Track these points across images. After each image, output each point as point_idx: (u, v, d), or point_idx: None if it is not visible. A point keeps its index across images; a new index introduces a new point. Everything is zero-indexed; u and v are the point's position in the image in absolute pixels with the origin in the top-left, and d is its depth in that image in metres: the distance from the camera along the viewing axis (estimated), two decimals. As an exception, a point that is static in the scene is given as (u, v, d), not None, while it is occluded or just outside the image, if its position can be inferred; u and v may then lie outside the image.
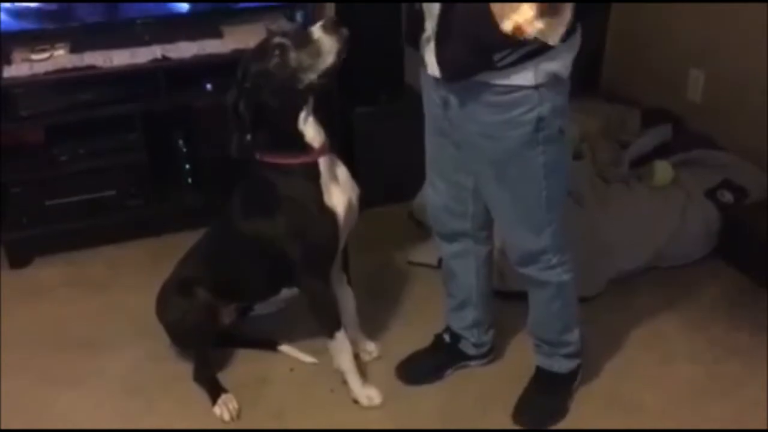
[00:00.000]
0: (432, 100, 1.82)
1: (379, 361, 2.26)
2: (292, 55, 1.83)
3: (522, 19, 1.35)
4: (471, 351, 2.20)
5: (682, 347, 2.30)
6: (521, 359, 2.18)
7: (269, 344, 2.33)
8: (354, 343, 2.19)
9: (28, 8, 2.63)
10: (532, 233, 1.82)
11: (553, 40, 1.37)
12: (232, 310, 2.28)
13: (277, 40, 1.86)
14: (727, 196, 2.67)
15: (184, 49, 2.73)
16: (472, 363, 2.22)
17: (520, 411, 2.05)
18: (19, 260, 2.77)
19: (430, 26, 1.64)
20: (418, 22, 1.67)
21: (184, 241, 2.28)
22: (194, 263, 2.20)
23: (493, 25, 1.40)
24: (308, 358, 2.28)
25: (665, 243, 2.56)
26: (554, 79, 1.62)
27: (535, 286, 1.94)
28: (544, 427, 2.03)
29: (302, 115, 1.90)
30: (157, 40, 2.75)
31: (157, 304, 2.20)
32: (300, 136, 1.91)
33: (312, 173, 1.94)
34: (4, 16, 2.61)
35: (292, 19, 2.94)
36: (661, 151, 2.86)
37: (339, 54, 1.82)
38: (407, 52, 2.61)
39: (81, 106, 2.66)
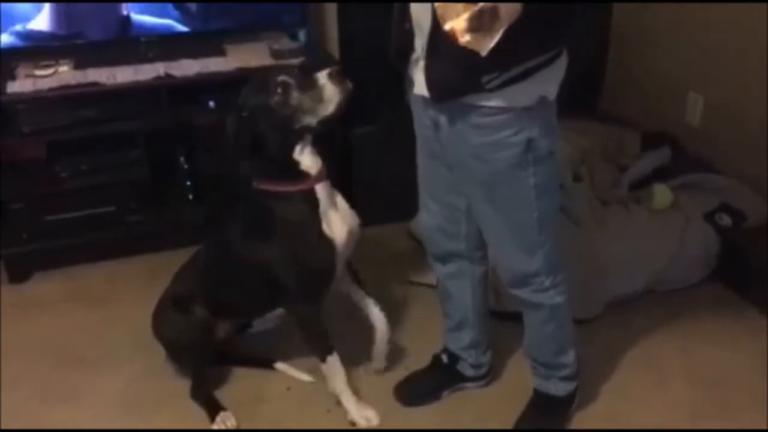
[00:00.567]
0: (422, 121, 1.83)
1: (377, 381, 2.25)
2: (294, 95, 1.85)
3: (457, 26, 1.40)
4: (469, 372, 2.20)
5: (680, 370, 2.29)
6: (519, 381, 2.18)
7: (265, 363, 2.33)
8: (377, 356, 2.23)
9: (33, 30, 2.65)
10: (525, 255, 1.82)
11: (483, 51, 1.42)
12: (228, 325, 2.28)
13: (281, 77, 1.87)
14: (726, 220, 2.68)
15: (187, 67, 2.75)
16: (470, 385, 2.22)
17: None
18: (19, 275, 2.78)
19: (419, 45, 1.64)
20: (407, 41, 1.68)
21: (184, 258, 2.28)
22: (190, 279, 2.20)
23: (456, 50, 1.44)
24: (305, 377, 2.28)
25: (664, 266, 2.57)
26: (542, 102, 1.63)
27: (528, 308, 1.94)
28: None
29: (298, 147, 1.92)
30: (161, 57, 2.77)
31: (153, 320, 2.21)
32: (295, 164, 1.92)
33: (310, 200, 1.95)
34: (10, 36, 2.62)
35: (294, 38, 2.97)
36: (659, 174, 2.87)
37: (340, 104, 1.84)
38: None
39: (84, 123, 2.68)
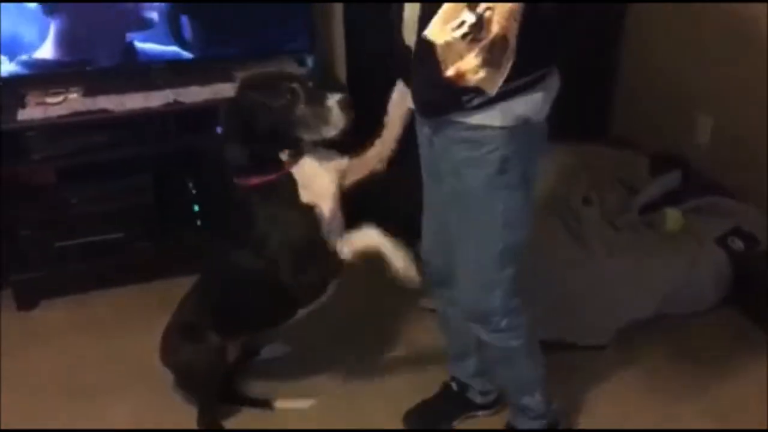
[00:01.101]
0: (420, 138, 1.83)
1: (387, 408, 2.22)
2: (301, 107, 1.85)
3: (466, 67, 1.36)
4: (478, 399, 2.17)
5: (692, 398, 2.26)
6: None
7: (265, 404, 2.28)
8: None
9: (38, 59, 2.67)
10: (482, 290, 1.79)
11: (491, 90, 1.40)
12: (237, 346, 2.27)
13: (293, 85, 1.87)
14: (738, 244, 2.65)
15: (196, 94, 2.76)
16: (480, 413, 2.19)
17: None
18: (27, 302, 2.77)
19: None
20: (407, 58, 1.67)
21: (192, 284, 2.28)
22: (197, 304, 2.18)
23: (437, 69, 1.43)
24: (304, 403, 2.25)
25: (676, 291, 2.54)
26: (524, 122, 1.62)
27: (483, 347, 1.91)
28: None
29: (286, 152, 1.91)
30: (170, 84, 2.78)
31: (162, 349, 2.19)
32: (278, 159, 1.93)
33: (287, 182, 1.93)
34: (17, 65, 2.64)
35: (302, 64, 2.98)
36: (670, 198, 2.85)
37: (342, 131, 1.84)
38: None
39: (93, 149, 2.68)
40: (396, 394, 2.27)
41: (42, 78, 2.73)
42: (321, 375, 2.33)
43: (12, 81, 2.66)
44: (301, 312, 2.11)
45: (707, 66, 3.01)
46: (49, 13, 2.61)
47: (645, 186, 2.93)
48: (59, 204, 2.75)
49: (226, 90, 2.79)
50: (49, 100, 2.70)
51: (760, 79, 2.74)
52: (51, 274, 2.78)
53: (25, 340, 2.60)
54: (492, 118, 1.59)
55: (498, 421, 2.18)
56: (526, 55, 1.51)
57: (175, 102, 2.72)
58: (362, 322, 2.62)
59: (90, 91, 2.76)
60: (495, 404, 2.20)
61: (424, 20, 1.41)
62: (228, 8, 2.81)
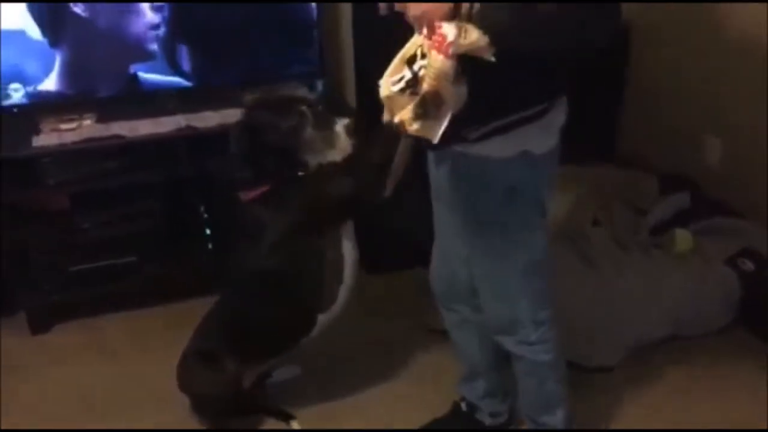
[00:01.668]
0: (429, 164, 1.86)
1: (397, 427, 2.23)
2: (308, 130, 1.87)
3: (404, 117, 1.44)
4: (488, 421, 2.17)
5: (703, 420, 2.24)
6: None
7: (287, 416, 2.29)
8: None
9: (43, 91, 2.71)
10: (507, 303, 1.81)
11: (433, 138, 1.45)
12: (254, 371, 2.27)
13: (303, 108, 1.90)
14: (748, 265, 2.64)
15: (207, 119, 2.80)
16: (491, 436, 2.19)
17: None
18: (40, 326, 2.79)
19: None
20: None
21: (204, 307, 2.29)
22: (214, 330, 2.18)
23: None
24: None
25: (686, 312, 2.54)
26: (525, 154, 1.64)
27: (513, 358, 1.91)
28: None
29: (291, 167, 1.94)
30: (182, 109, 2.82)
31: (180, 375, 2.19)
32: (281, 173, 1.96)
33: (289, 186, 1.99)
34: (23, 98, 2.68)
35: (312, 88, 3.01)
36: (679, 219, 2.85)
37: (348, 157, 1.87)
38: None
39: (106, 174, 2.72)
40: (405, 414, 2.27)
41: (55, 105, 2.77)
42: (331, 396, 2.33)
43: (26, 108, 2.70)
44: (321, 318, 2.12)
45: (715, 87, 3.02)
46: (54, 45, 2.65)
47: (654, 207, 2.93)
48: (72, 229, 2.79)
49: (237, 115, 2.82)
50: (63, 126, 2.74)
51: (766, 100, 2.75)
52: (64, 298, 2.80)
53: (39, 363, 2.62)
54: (492, 149, 1.62)
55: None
56: (521, 92, 1.55)
57: (188, 127, 2.76)
58: (371, 343, 2.62)
59: (103, 118, 2.80)
60: (506, 425, 2.19)
61: None
62: (234, 34, 2.84)
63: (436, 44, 1.37)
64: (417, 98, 1.41)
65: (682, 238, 2.72)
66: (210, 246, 3.01)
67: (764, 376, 2.39)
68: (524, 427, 2.18)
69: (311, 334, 2.16)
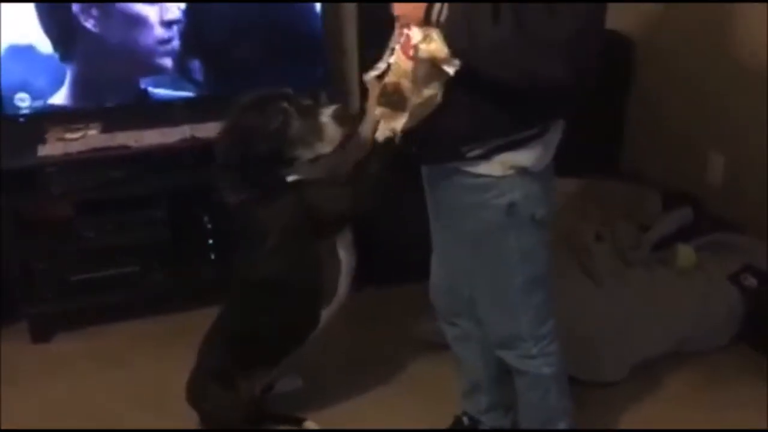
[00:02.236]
0: (425, 180, 1.87)
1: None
2: (295, 125, 1.85)
3: (372, 102, 1.58)
4: (491, 435, 2.16)
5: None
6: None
7: (296, 421, 2.29)
8: None
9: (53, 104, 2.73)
10: (508, 317, 1.81)
11: (396, 128, 1.56)
12: (261, 385, 2.26)
13: (283, 105, 1.87)
14: (751, 281, 2.64)
15: (212, 129, 2.78)
16: (491, 450, 2.18)
17: None
18: (42, 335, 2.79)
19: None
20: None
21: (206, 317, 2.29)
22: (222, 347, 2.16)
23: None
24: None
25: (689, 328, 2.53)
26: (523, 172, 1.65)
27: (514, 373, 1.91)
28: None
29: (285, 171, 1.92)
30: (187, 120, 2.83)
31: (190, 392, 2.18)
32: (272, 178, 1.94)
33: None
34: (37, 103, 2.70)
35: (315, 100, 3.02)
36: (682, 235, 2.85)
37: (340, 146, 1.85)
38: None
39: (111, 184, 2.73)
40: (407, 428, 2.27)
41: (61, 115, 2.78)
42: (332, 410, 2.33)
43: (32, 118, 2.72)
44: (324, 313, 2.10)
45: (719, 104, 3.03)
46: (65, 59, 2.68)
47: (657, 222, 2.93)
48: (75, 237, 2.79)
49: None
50: (69, 136, 2.75)
51: (770, 117, 2.76)
52: (66, 307, 2.80)
53: (40, 372, 2.62)
54: (491, 168, 1.64)
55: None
56: (523, 112, 1.56)
57: (192, 138, 2.77)
58: (371, 356, 2.62)
59: (108, 128, 2.81)
60: (508, 440, 2.19)
61: None
62: (241, 45, 2.87)
63: (404, 44, 1.50)
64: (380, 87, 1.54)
65: (685, 253, 2.72)
66: (213, 256, 3.01)
67: (766, 392, 2.39)
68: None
69: (317, 329, 2.14)
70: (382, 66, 1.58)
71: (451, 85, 1.54)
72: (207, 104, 2.90)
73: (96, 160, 2.69)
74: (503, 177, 1.64)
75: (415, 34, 1.48)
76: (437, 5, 1.47)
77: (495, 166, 1.63)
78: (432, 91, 1.53)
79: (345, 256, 2.06)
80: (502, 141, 1.61)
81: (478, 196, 1.68)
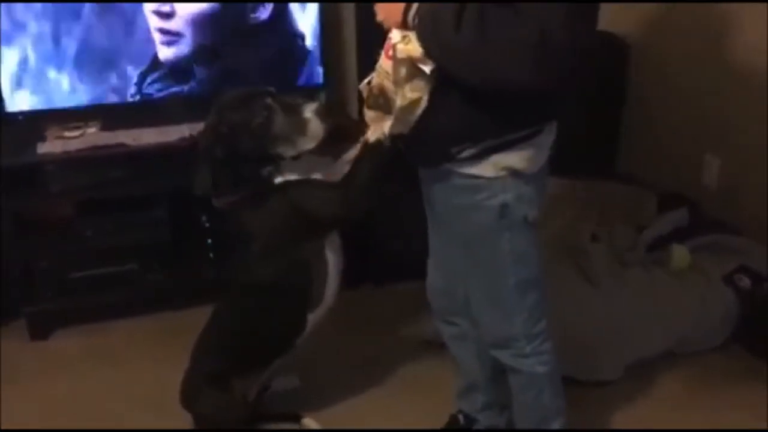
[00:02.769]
0: (421, 183, 1.88)
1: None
2: (278, 121, 1.85)
3: (386, 128, 1.65)
4: (486, 434, 2.18)
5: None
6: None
7: (294, 417, 2.30)
8: None
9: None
10: (502, 318, 1.82)
11: (383, 129, 1.66)
12: (256, 386, 2.27)
13: (267, 101, 1.87)
14: (745, 281, 2.66)
15: (211, 129, 2.81)
16: (487, 448, 2.19)
17: None
18: (41, 332, 2.80)
19: None
20: None
21: (205, 317, 2.29)
22: (215, 350, 2.17)
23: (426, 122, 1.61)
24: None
25: (683, 328, 2.55)
26: (516, 173, 1.66)
27: (509, 372, 1.92)
28: None
29: (268, 169, 1.92)
30: (186, 119, 2.84)
31: (184, 395, 2.18)
32: (255, 177, 1.94)
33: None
34: (36, 101, 2.71)
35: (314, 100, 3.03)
36: (677, 235, 2.87)
37: (320, 142, 1.85)
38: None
39: (110, 183, 2.74)
40: (402, 426, 2.28)
41: (60, 114, 2.79)
42: (328, 410, 2.34)
43: (31, 116, 2.73)
44: (311, 317, 2.11)
45: (715, 106, 3.04)
46: (64, 57, 2.69)
47: (652, 223, 2.95)
48: (74, 236, 2.80)
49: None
50: (68, 134, 2.76)
51: (766, 120, 2.77)
52: (64, 305, 2.81)
53: (38, 369, 2.63)
54: (483, 169, 1.65)
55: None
56: (515, 113, 1.58)
57: (191, 137, 2.77)
58: (367, 355, 2.63)
59: (108, 126, 2.82)
60: (503, 439, 2.20)
61: None
62: (240, 46, 2.88)
63: (386, 46, 1.59)
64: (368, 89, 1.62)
65: (679, 254, 2.73)
66: (211, 255, 3.02)
67: (760, 393, 2.40)
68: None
69: (304, 333, 2.16)
70: (373, 74, 1.65)
71: (437, 87, 1.57)
72: (206, 104, 2.90)
73: (95, 158, 2.70)
74: (496, 178, 1.66)
75: (395, 35, 1.55)
76: (413, 9, 1.52)
77: (487, 168, 1.65)
78: (416, 94, 1.56)
79: (333, 258, 2.06)
80: (493, 142, 1.62)
81: (470, 198, 1.69)
